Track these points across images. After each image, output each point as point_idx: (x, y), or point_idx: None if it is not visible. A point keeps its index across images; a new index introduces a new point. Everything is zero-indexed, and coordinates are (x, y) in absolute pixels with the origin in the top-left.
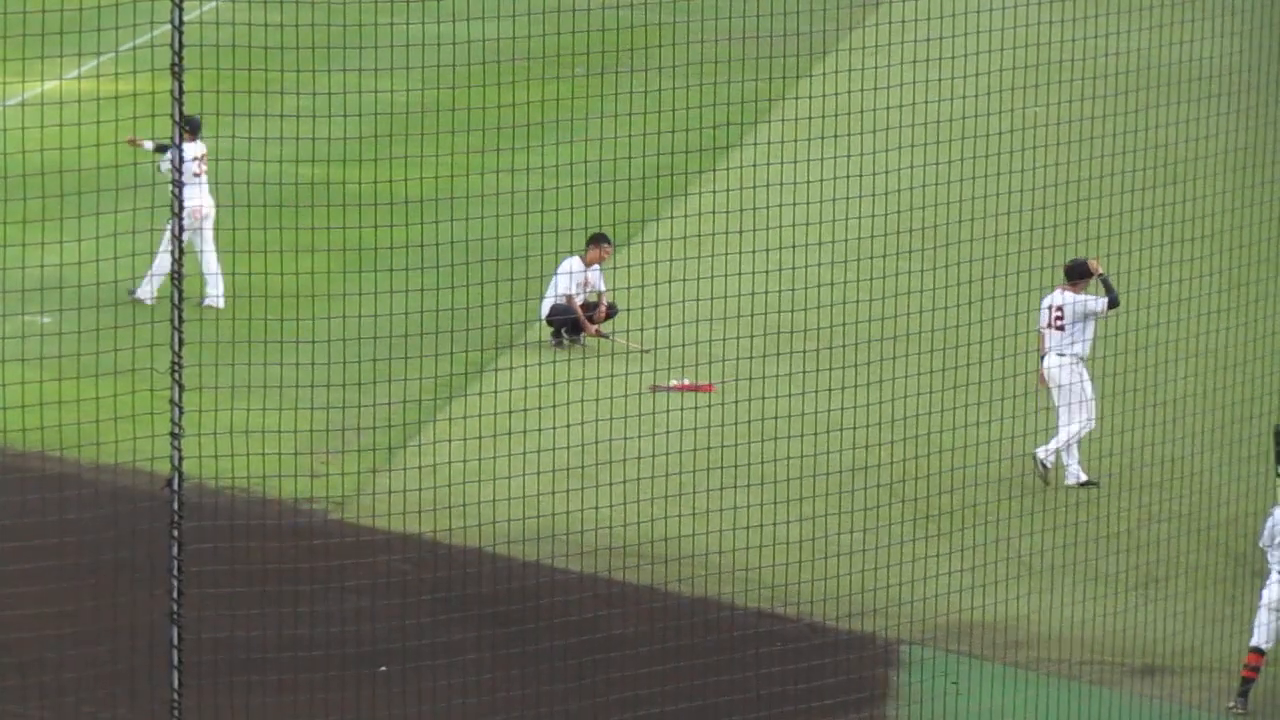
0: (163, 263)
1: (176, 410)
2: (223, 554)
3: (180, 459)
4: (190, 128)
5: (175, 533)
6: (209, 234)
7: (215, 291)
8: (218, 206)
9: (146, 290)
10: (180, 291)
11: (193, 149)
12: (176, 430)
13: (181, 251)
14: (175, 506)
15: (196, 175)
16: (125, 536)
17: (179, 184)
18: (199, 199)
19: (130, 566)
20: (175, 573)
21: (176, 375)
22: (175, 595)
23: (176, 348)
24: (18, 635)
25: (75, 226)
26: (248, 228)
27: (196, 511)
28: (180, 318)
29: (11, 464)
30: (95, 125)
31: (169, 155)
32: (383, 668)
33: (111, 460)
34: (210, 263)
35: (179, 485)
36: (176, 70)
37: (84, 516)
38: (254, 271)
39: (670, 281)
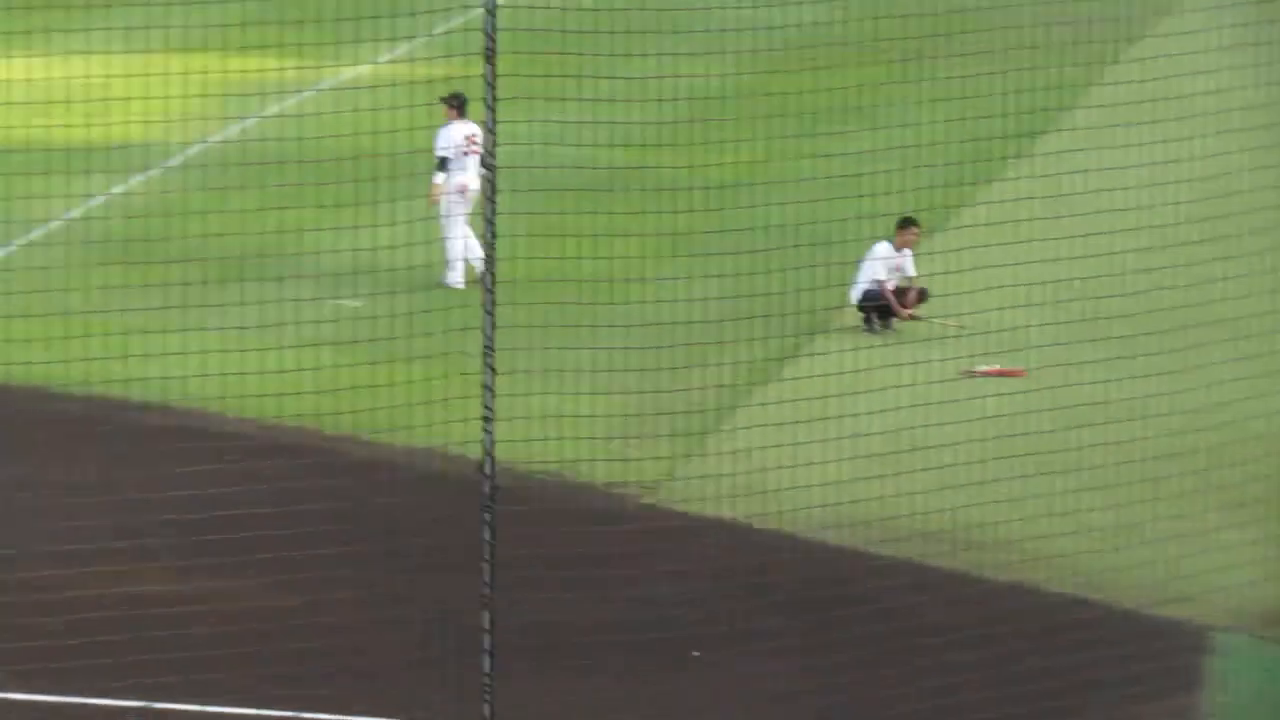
0: (455, 247)
1: (488, 394)
2: (534, 538)
3: (492, 443)
4: (458, 106)
5: (487, 517)
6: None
7: (456, 274)
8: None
9: (456, 276)
10: (492, 275)
11: (462, 129)
12: (488, 414)
13: (494, 235)
14: (487, 490)
15: (465, 154)
16: (436, 521)
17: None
18: (464, 178)
19: (441, 550)
20: (487, 557)
21: (488, 359)
22: (487, 580)
23: (488, 331)
24: (331, 619)
25: (386, 210)
26: (561, 212)
27: (508, 496)
28: (492, 301)
29: (323, 447)
30: (408, 110)
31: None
32: (695, 652)
33: (423, 444)
34: (459, 246)
35: (491, 469)
36: (489, 54)
37: (395, 500)
38: (565, 256)
39: (982, 267)
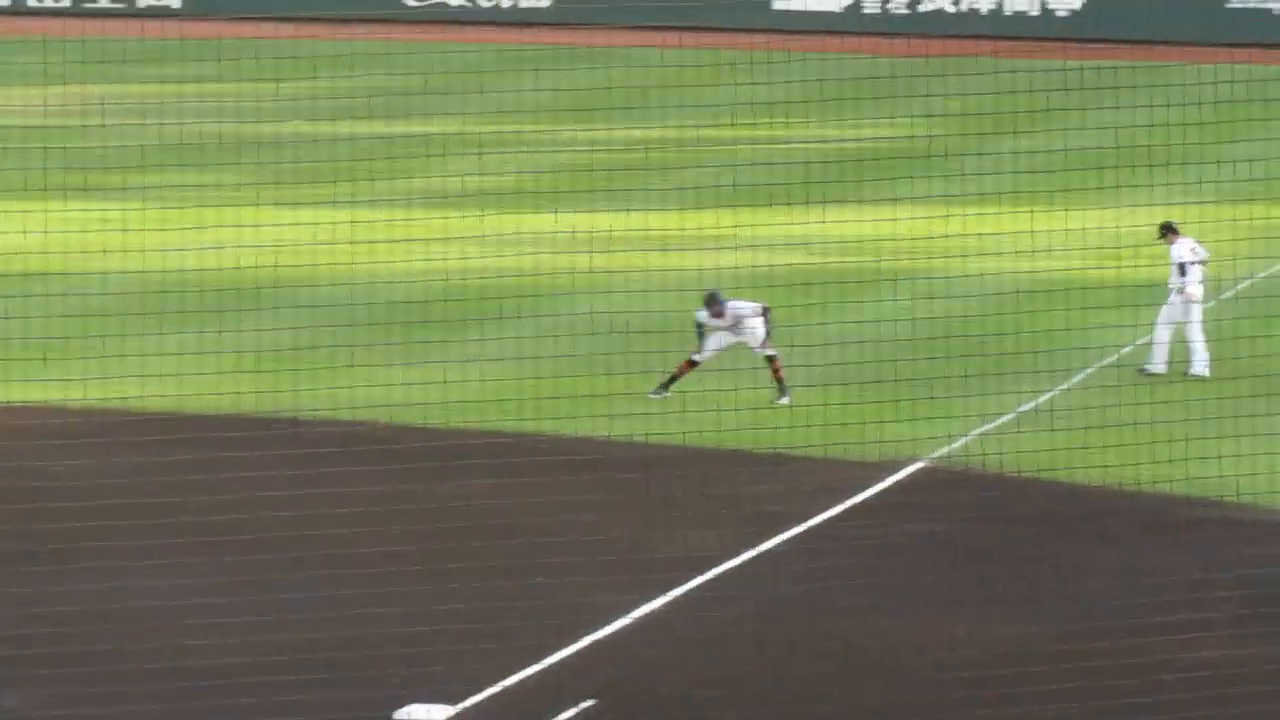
0: (1160, 334)
1: None
2: None
3: None
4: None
5: None
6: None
7: (1200, 360)
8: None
9: (1159, 363)
10: None
11: (1186, 244)
12: None
13: None
14: None
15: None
16: None
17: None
18: (1194, 286)
19: None
20: None
21: None
22: None
23: None
24: None
25: None
26: None
27: None
28: None
29: None
30: None
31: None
32: None
33: None
34: (1193, 334)
35: None
36: None
37: None
38: None
39: None
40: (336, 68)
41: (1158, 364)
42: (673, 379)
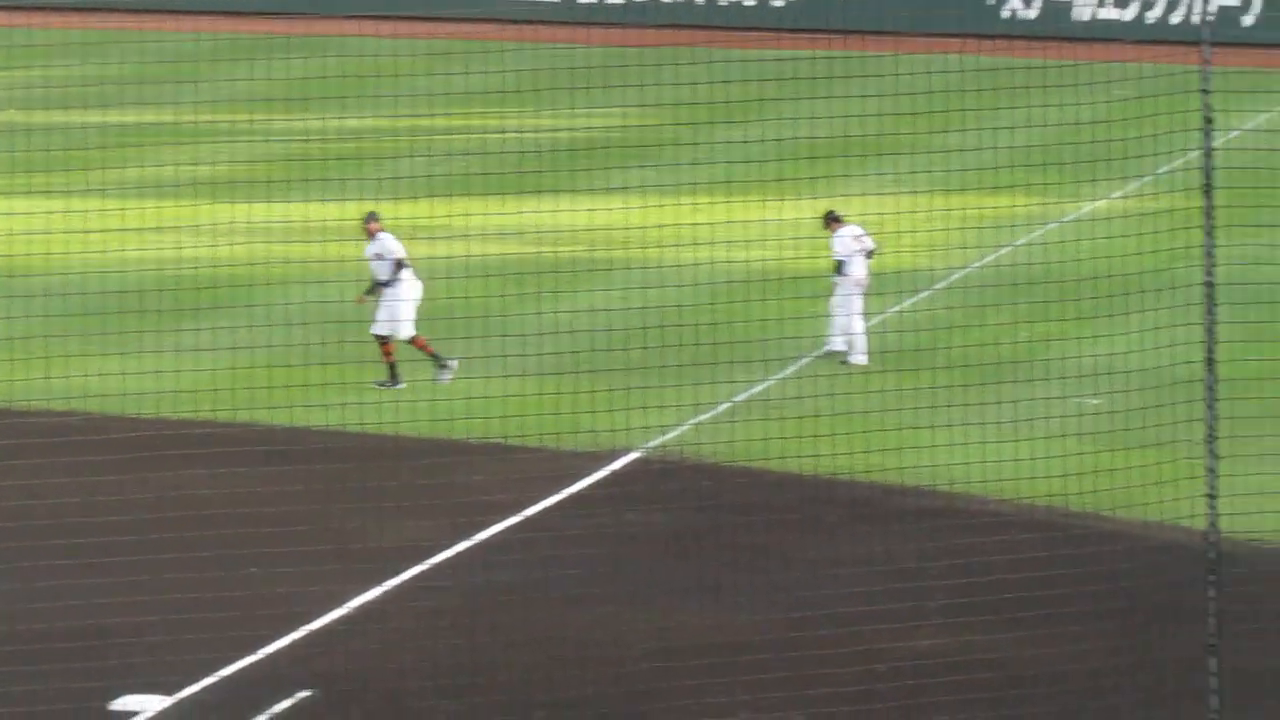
0: (839, 323)
1: (1211, 475)
2: (1253, 597)
3: (1216, 516)
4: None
5: (1212, 578)
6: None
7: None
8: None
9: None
10: (1214, 375)
11: (850, 231)
12: (1212, 492)
13: (1214, 340)
14: (1212, 556)
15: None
16: (1167, 583)
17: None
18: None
19: (1172, 607)
20: (1212, 612)
21: (1211, 445)
22: (1213, 631)
23: (1211, 422)
24: (1075, 667)
25: (1120, 322)
26: (1273, 320)
27: (1228, 560)
28: (1214, 397)
29: (1070, 523)
30: (1137, 237)
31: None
32: None
33: (1155, 518)
34: (854, 325)
35: (1215, 538)
36: (1207, 189)
37: (1132, 566)
38: (1275, 358)
39: None
40: (50, 56)
41: (858, 354)
42: (392, 367)
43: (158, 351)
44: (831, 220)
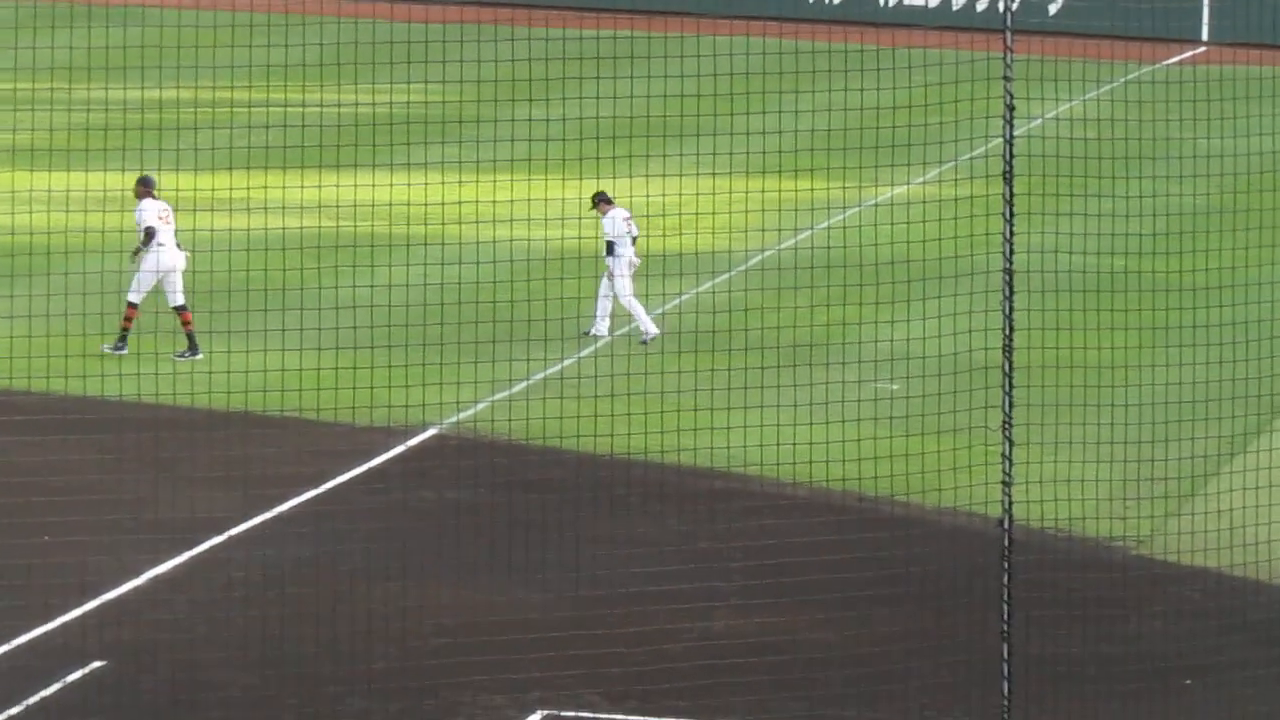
0: (605, 305)
1: (1007, 462)
2: (1045, 583)
3: (1010, 503)
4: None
5: (1005, 565)
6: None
7: (604, 322)
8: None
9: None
10: (1010, 361)
11: (619, 214)
12: (1007, 479)
13: (1012, 327)
14: (1005, 543)
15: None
16: (961, 569)
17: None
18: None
19: (966, 593)
20: (1006, 598)
21: (1007, 432)
22: (1006, 617)
23: (1007, 409)
24: (869, 650)
25: (918, 307)
26: (1070, 309)
27: (1022, 547)
28: (1011, 384)
29: (864, 506)
30: (938, 223)
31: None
32: (1187, 681)
33: (950, 504)
34: (634, 305)
35: (1009, 525)
36: (1007, 176)
37: (925, 551)
38: (1072, 345)
39: None
40: None
41: (648, 331)
42: (191, 338)
43: None
44: (601, 202)
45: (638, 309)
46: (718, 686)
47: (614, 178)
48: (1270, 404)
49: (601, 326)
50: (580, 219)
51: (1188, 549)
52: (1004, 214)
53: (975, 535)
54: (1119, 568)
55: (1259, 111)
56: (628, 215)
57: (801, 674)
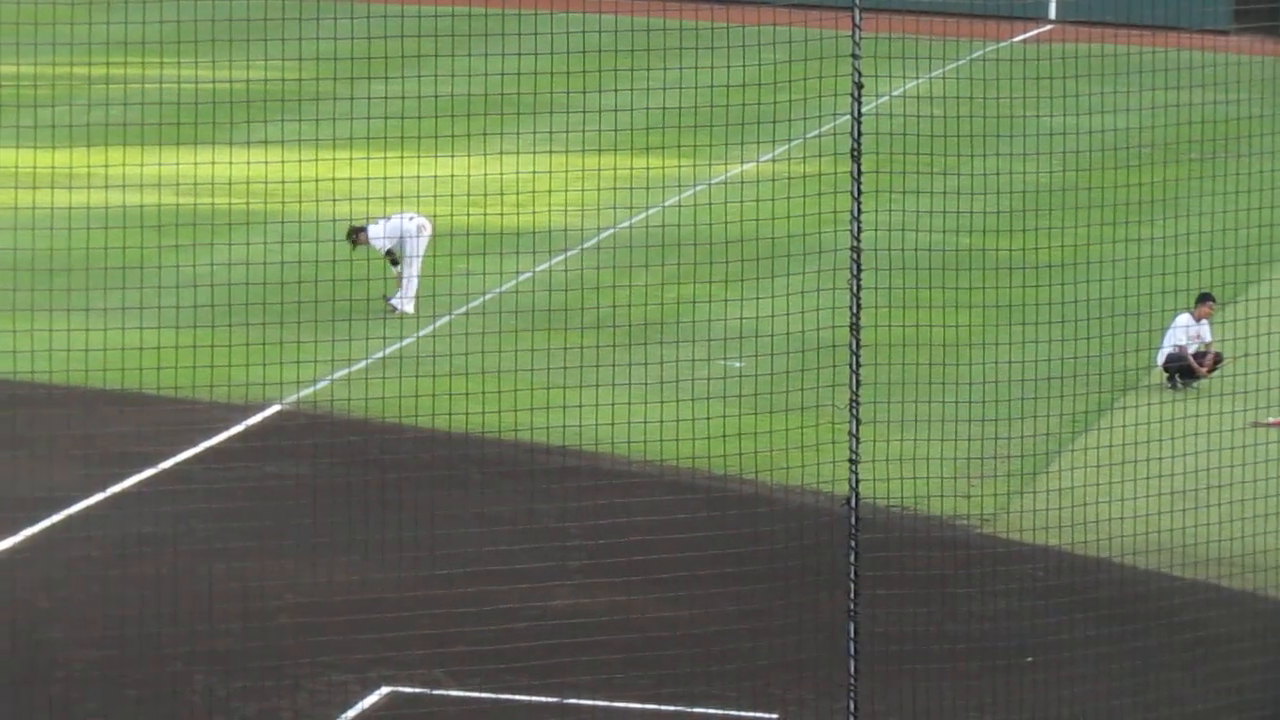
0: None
1: (853, 440)
2: (891, 562)
3: (856, 481)
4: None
5: (852, 543)
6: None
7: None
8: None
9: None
10: (858, 340)
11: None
12: (854, 457)
13: (859, 305)
14: (852, 521)
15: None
16: (807, 547)
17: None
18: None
19: (813, 571)
20: (852, 577)
21: (854, 411)
22: (852, 596)
23: (854, 388)
24: (716, 628)
25: (765, 285)
26: (916, 286)
27: (869, 526)
28: (858, 362)
29: (711, 485)
30: (785, 200)
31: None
32: (1029, 658)
33: (796, 483)
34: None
35: (855, 503)
36: (855, 154)
37: (772, 529)
38: (919, 324)
39: (1270, 334)
40: None
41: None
42: None
43: None
44: (359, 232)
45: (414, 284)
46: (563, 664)
47: (455, 156)
48: (1113, 382)
49: (409, 306)
50: (418, 197)
51: (1031, 527)
52: (852, 192)
53: (822, 513)
54: (964, 546)
55: (1105, 89)
56: (411, 216)
57: (648, 652)
